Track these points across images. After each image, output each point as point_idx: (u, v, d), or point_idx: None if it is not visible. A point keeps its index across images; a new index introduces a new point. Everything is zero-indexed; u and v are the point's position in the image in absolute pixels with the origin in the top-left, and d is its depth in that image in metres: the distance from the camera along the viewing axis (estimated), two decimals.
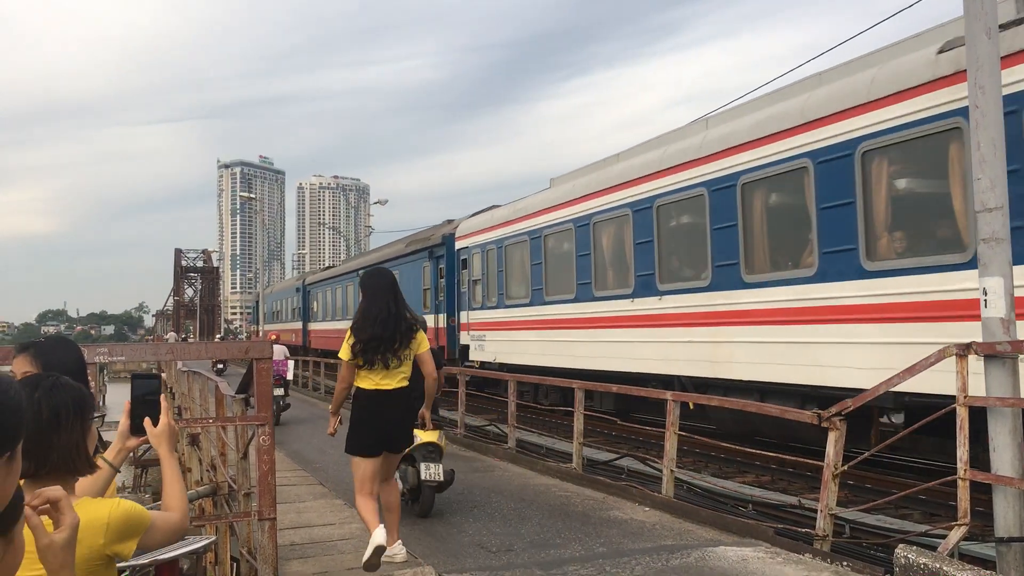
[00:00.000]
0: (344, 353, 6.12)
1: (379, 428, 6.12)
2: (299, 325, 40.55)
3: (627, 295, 13.12)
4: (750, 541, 6.77)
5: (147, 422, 2.61)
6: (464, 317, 19.58)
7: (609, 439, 13.65)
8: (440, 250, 21.58)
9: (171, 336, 66.57)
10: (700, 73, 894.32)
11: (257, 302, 53.91)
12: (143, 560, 4.20)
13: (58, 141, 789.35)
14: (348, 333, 6.15)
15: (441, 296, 21.28)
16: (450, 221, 22.96)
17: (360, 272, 28.67)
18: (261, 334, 46.37)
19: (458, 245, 20.16)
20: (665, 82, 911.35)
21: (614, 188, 13.61)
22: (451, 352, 20.17)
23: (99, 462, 2.52)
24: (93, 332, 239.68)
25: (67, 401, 2.24)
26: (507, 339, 17.17)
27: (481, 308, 18.63)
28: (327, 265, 50.38)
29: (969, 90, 5.80)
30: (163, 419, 2.62)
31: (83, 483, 2.35)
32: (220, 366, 31.22)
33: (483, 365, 18.03)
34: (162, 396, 2.67)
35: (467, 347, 19.19)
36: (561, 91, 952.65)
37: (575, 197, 14.85)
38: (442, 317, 21.07)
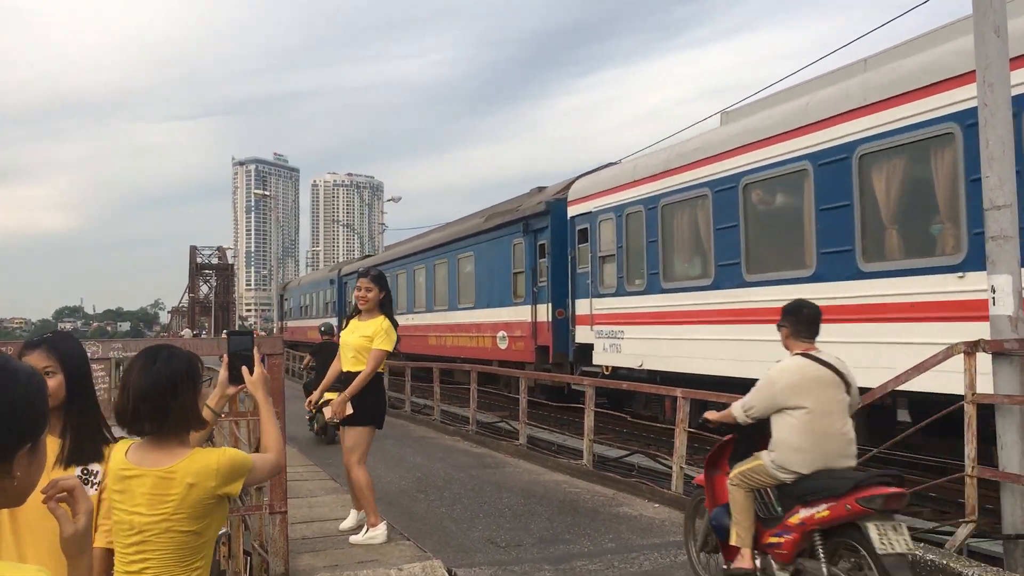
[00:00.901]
0: (391, 346, 6.68)
1: None
2: (333, 321, 34.74)
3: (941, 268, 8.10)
4: None
5: (244, 371, 2.94)
6: (585, 307, 14.84)
7: (620, 436, 13.67)
8: (541, 220, 16.78)
9: (186, 332, 66.96)
10: (717, 69, 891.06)
11: (282, 295, 47.93)
12: None
13: (75, 138, 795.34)
14: (391, 329, 6.69)
15: (543, 280, 16.67)
16: (542, 188, 18.95)
17: (407, 259, 25.43)
18: (281, 331, 44.42)
19: (573, 211, 15.40)
20: (682, 77, 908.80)
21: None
22: (561, 354, 15.96)
23: (204, 411, 2.81)
24: (109, 328, 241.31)
25: (182, 368, 2.57)
26: (661, 336, 12.43)
27: (615, 294, 13.85)
28: (363, 255, 44.43)
29: (978, 88, 5.80)
30: (257, 368, 2.96)
31: (193, 435, 2.67)
32: None
33: (615, 372, 13.89)
34: (255, 349, 3.00)
35: (589, 347, 14.62)
36: (577, 87, 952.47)
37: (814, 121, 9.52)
38: (544, 308, 16.44)
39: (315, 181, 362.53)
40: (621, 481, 9.31)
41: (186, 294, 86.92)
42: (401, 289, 25.38)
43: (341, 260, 51.33)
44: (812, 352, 4.93)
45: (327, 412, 6.87)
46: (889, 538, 4.39)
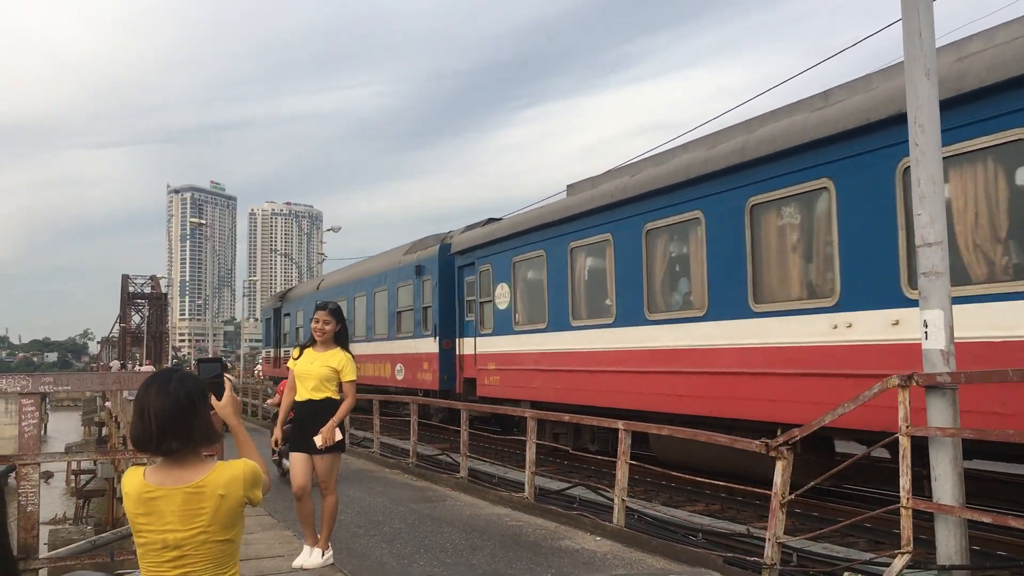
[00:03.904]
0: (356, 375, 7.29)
1: None
2: (431, 345, 19.08)
3: None
4: (700, 571, 6.82)
5: (212, 398, 3.00)
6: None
7: (561, 468, 13.65)
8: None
9: (115, 364, 65.22)
10: (655, 105, 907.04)
11: (277, 309, 33.41)
12: None
13: (2, 164, 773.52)
14: (352, 360, 7.23)
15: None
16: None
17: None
18: (274, 362, 32.91)
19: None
20: (619, 113, 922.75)
21: None
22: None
23: None
24: (36, 359, 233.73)
25: (196, 387, 2.77)
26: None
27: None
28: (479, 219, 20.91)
29: (909, 128, 5.99)
30: (227, 394, 3.08)
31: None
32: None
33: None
34: (225, 376, 3.13)
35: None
36: (515, 120, 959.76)
37: None
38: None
39: (253, 210, 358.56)
40: (563, 514, 9.28)
41: (117, 324, 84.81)
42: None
43: (442, 233, 19.91)
44: None
45: (318, 440, 6.93)
46: None
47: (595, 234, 12.86)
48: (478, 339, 16.72)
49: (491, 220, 17.97)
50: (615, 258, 12.25)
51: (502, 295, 15.72)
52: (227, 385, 3.08)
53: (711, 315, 10.39)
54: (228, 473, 2.73)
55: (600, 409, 11.77)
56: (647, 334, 11.54)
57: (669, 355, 11.13)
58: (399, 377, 20.59)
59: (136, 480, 2.70)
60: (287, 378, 7.68)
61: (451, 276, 18.32)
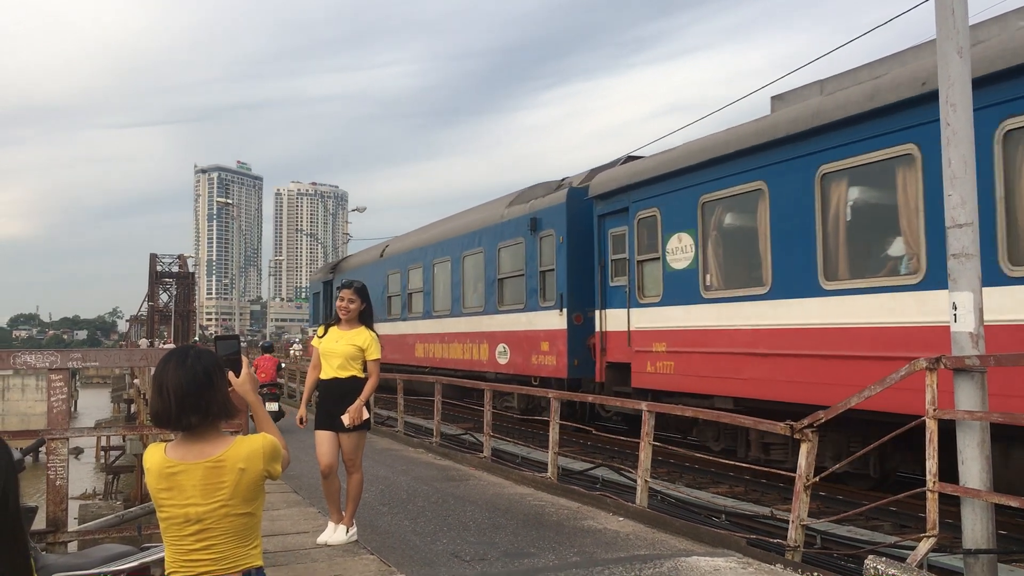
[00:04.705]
0: (380, 355, 7.23)
1: None
2: (555, 319, 15.10)
3: None
4: (722, 551, 6.81)
5: (231, 375, 3.01)
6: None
7: (585, 448, 13.68)
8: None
9: (143, 343, 65.98)
10: (679, 85, 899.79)
11: (327, 282, 28.72)
12: (114, 567, 4.18)
13: (35, 144, 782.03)
14: (378, 339, 7.23)
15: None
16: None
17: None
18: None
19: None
20: (643, 94, 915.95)
21: None
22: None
23: None
24: (66, 337, 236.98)
25: (212, 363, 2.81)
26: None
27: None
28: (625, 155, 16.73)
29: (941, 107, 5.89)
30: (244, 371, 3.07)
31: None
32: None
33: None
34: (242, 352, 3.16)
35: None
36: (539, 101, 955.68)
37: None
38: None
39: (279, 190, 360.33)
40: (586, 494, 9.29)
41: (145, 302, 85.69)
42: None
43: (560, 179, 16.62)
44: None
45: (345, 419, 6.99)
46: None
47: (878, 148, 8.83)
48: (634, 311, 12.77)
49: (632, 158, 14.27)
50: (924, 183, 8.28)
51: (680, 249, 11.79)
52: (244, 362, 3.10)
53: None
54: (248, 447, 2.77)
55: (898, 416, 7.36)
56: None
57: None
58: (502, 361, 16.68)
59: (157, 456, 2.74)
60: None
61: (586, 229, 14.27)
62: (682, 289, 11.74)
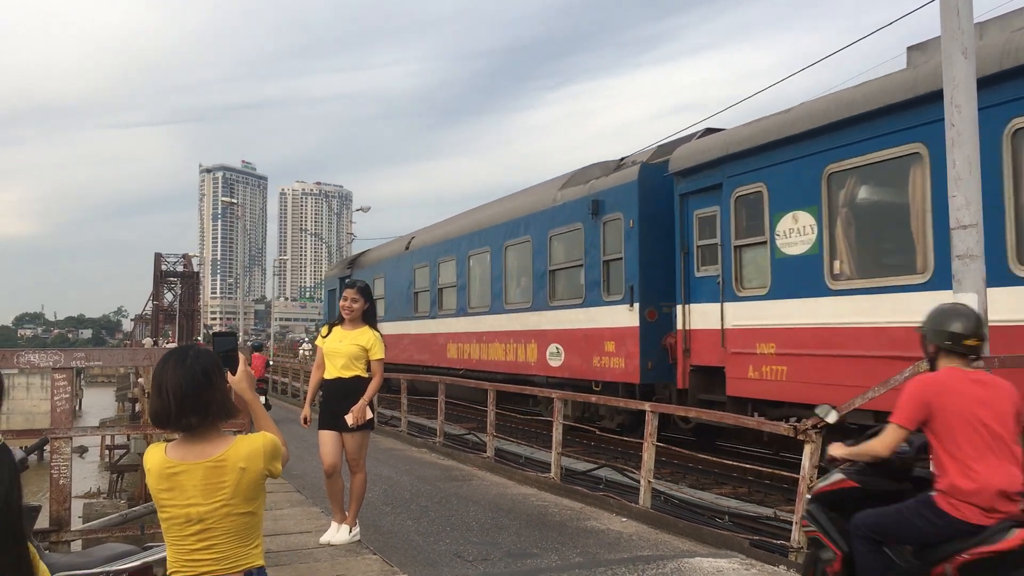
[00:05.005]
0: (384, 354, 7.25)
1: None
2: (624, 315, 13.14)
3: None
4: (725, 552, 6.81)
5: (227, 373, 2.99)
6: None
7: (588, 449, 13.67)
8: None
9: (147, 342, 66.15)
10: (684, 85, 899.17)
11: (344, 278, 24.89)
12: (116, 567, 4.19)
13: (39, 143, 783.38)
14: (381, 339, 7.23)
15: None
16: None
17: None
18: None
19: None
20: (647, 94, 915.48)
21: None
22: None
23: None
24: (71, 336, 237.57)
25: (211, 363, 2.79)
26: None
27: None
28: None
29: (945, 108, 5.88)
30: (240, 367, 3.07)
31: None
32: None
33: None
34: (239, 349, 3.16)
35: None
36: (543, 101, 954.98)
37: None
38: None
39: (283, 189, 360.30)
40: (589, 495, 9.29)
41: (150, 301, 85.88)
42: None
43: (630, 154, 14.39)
44: None
45: (349, 419, 7.00)
46: None
47: None
48: (730, 305, 10.96)
49: (711, 131, 12.42)
50: None
51: (795, 231, 9.97)
52: (241, 359, 3.10)
53: None
54: (248, 446, 2.76)
55: None
56: None
57: None
58: (554, 363, 14.69)
59: (158, 456, 2.73)
60: None
61: (663, 211, 12.36)
62: (799, 279, 9.84)
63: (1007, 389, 4.16)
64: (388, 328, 20.85)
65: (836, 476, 4.61)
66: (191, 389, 2.69)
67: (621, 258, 12.95)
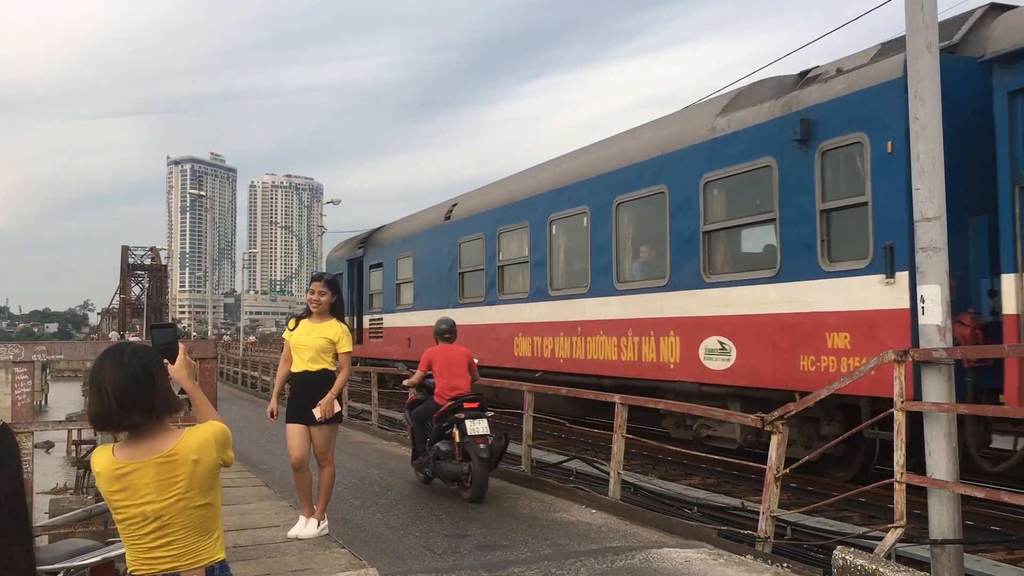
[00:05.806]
0: (352, 347, 7.44)
1: None
2: (874, 292, 8.25)
3: None
4: (694, 543, 6.85)
5: (166, 363, 2.95)
6: None
7: (559, 441, 13.69)
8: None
9: (113, 335, 65.35)
10: (659, 78, 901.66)
11: (357, 260, 23.35)
12: (77, 563, 4.14)
13: (4, 135, 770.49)
14: (349, 332, 7.38)
15: None
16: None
17: None
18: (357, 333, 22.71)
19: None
20: (623, 86, 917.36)
21: None
22: None
23: None
24: (36, 330, 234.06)
25: (150, 358, 2.73)
26: None
27: None
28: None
29: (910, 102, 5.94)
30: (180, 357, 3.00)
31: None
32: None
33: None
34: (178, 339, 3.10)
35: None
36: (517, 93, 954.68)
37: None
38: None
39: (253, 182, 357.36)
40: (559, 487, 9.31)
41: (117, 295, 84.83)
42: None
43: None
44: None
45: (317, 413, 6.97)
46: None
47: None
48: None
49: (996, 6, 8.53)
50: None
51: None
52: (181, 349, 3.05)
53: None
54: (199, 437, 2.72)
55: None
56: None
57: None
58: (715, 365, 10.25)
59: (105, 459, 2.67)
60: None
61: (952, 124, 6.44)
62: None
63: (463, 351, 9.53)
64: (418, 319, 18.89)
65: (412, 392, 9.99)
66: (132, 387, 2.62)
67: (865, 203, 8.44)
